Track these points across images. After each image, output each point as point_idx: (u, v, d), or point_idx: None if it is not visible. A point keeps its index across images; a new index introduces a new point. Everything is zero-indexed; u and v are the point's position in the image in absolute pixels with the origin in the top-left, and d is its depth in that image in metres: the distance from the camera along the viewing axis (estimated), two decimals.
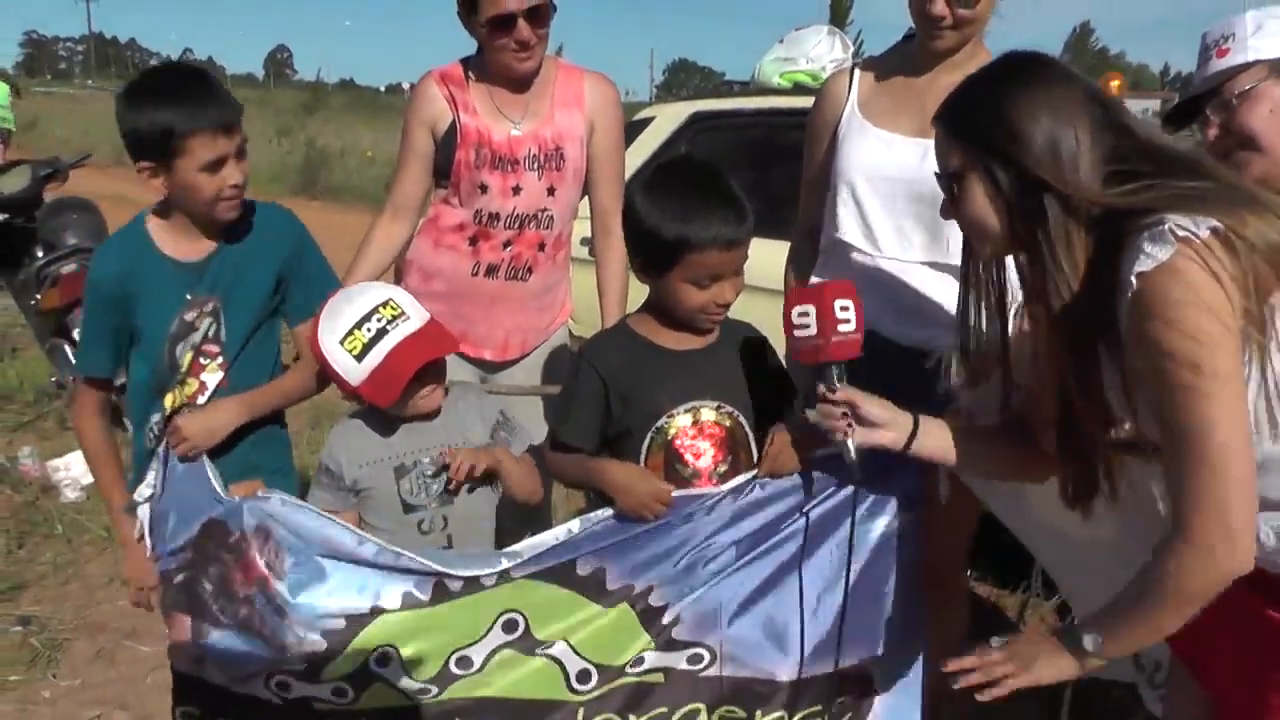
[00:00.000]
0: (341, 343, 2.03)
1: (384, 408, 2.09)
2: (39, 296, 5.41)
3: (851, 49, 4.89)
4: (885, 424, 1.86)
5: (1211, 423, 1.42)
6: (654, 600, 2.01)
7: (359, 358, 2.02)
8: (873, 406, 1.87)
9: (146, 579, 2.25)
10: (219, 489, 2.09)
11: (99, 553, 4.06)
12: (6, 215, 5.72)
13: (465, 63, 2.81)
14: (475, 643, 1.98)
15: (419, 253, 2.89)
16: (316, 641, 1.99)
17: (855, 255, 2.45)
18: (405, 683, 1.99)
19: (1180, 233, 1.44)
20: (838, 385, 1.88)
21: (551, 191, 2.77)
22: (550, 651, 2.00)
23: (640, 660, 2.03)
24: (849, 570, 2.02)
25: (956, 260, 1.93)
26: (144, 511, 2.19)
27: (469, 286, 2.82)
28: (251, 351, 2.36)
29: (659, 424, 2.04)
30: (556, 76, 2.81)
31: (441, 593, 1.97)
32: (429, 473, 2.14)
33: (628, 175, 2.97)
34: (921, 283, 2.37)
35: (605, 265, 2.91)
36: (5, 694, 3.14)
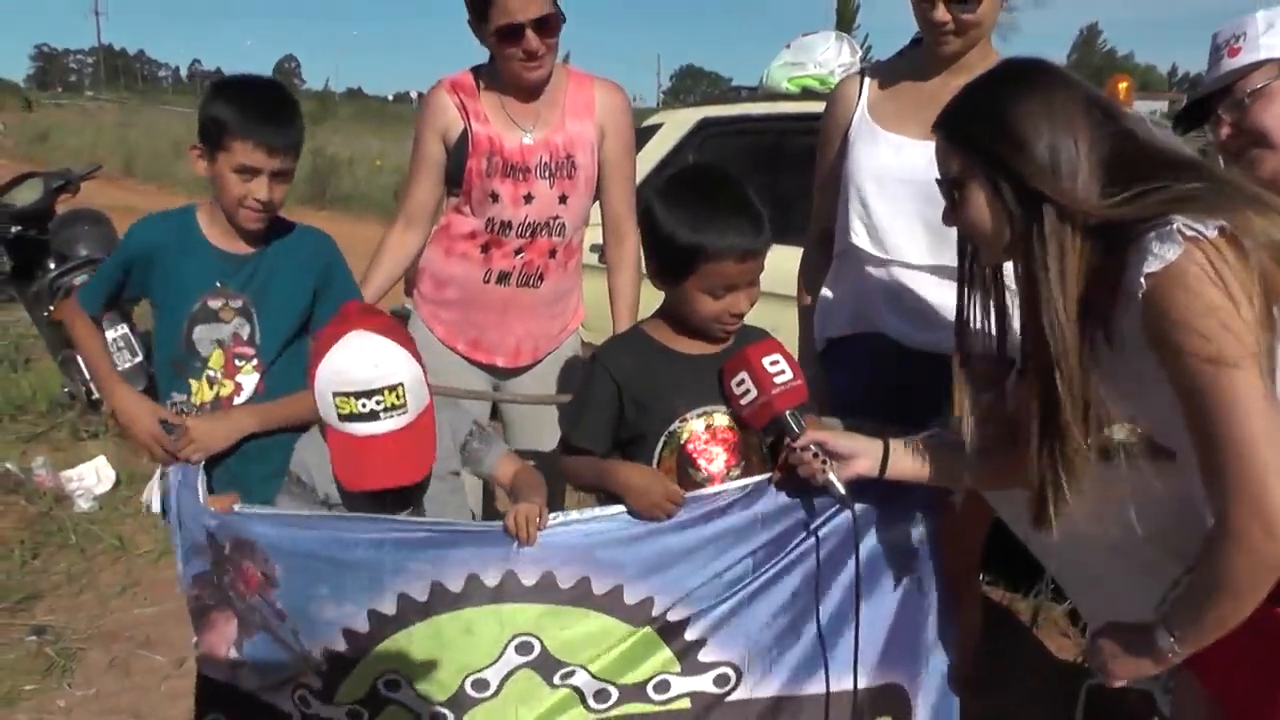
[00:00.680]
0: (334, 396, 1.99)
1: (345, 486, 2.06)
2: (52, 308, 5.44)
3: (860, 53, 4.88)
4: (857, 454, 1.90)
5: (1236, 416, 1.42)
6: (673, 616, 1.98)
7: (341, 419, 2.00)
8: (841, 440, 1.91)
9: (149, 424, 2.29)
10: (202, 501, 2.11)
11: (112, 562, 4.08)
12: (20, 227, 5.75)
13: (476, 71, 2.82)
14: (490, 665, 1.97)
15: (431, 261, 2.90)
16: (322, 652, 1.99)
17: (864, 258, 2.45)
18: (420, 706, 1.98)
19: (1189, 232, 1.44)
20: (798, 431, 1.92)
21: (563, 199, 2.77)
22: (572, 681, 1.98)
23: (665, 685, 2.00)
24: (858, 583, 2.01)
25: None
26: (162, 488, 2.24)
27: (481, 294, 2.82)
28: (289, 360, 2.43)
29: (672, 428, 2.04)
30: (567, 84, 2.82)
31: (441, 596, 1.95)
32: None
33: (637, 182, 2.98)
34: (930, 285, 2.37)
35: (617, 272, 2.92)
36: (21, 704, 3.14)
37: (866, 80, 2.54)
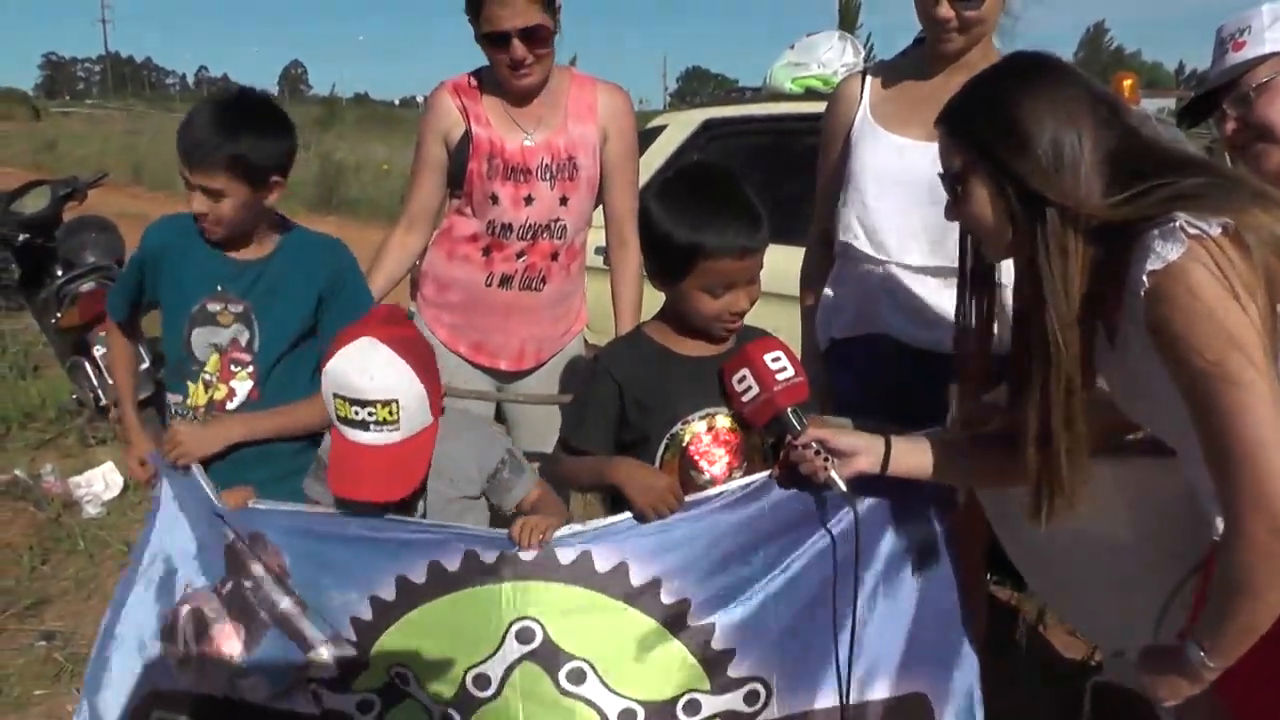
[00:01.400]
0: (334, 395, 1.99)
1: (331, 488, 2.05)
2: (59, 315, 5.46)
3: (863, 53, 4.88)
4: (859, 451, 1.89)
5: (1242, 415, 1.41)
6: (694, 620, 1.93)
7: (337, 417, 2.00)
8: (842, 437, 1.90)
9: (135, 455, 2.48)
10: (213, 497, 2.13)
11: (120, 567, 4.07)
12: (28, 235, 5.78)
13: (478, 74, 2.82)
14: (490, 657, 1.91)
15: (433, 263, 2.91)
16: (336, 639, 2.00)
17: (868, 258, 2.45)
18: (428, 701, 1.97)
19: (1192, 230, 1.43)
20: (800, 428, 1.91)
21: (564, 201, 2.78)
22: (582, 690, 1.90)
23: (696, 706, 1.95)
24: (856, 584, 1.99)
25: None
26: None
27: (483, 297, 2.82)
28: (286, 369, 2.43)
29: (674, 430, 2.04)
30: (570, 87, 2.82)
31: (439, 576, 1.93)
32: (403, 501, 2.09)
33: (641, 184, 2.98)
34: (931, 286, 2.37)
35: (620, 274, 2.92)
36: (31, 709, 3.15)
37: (868, 80, 2.54)
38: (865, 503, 1.99)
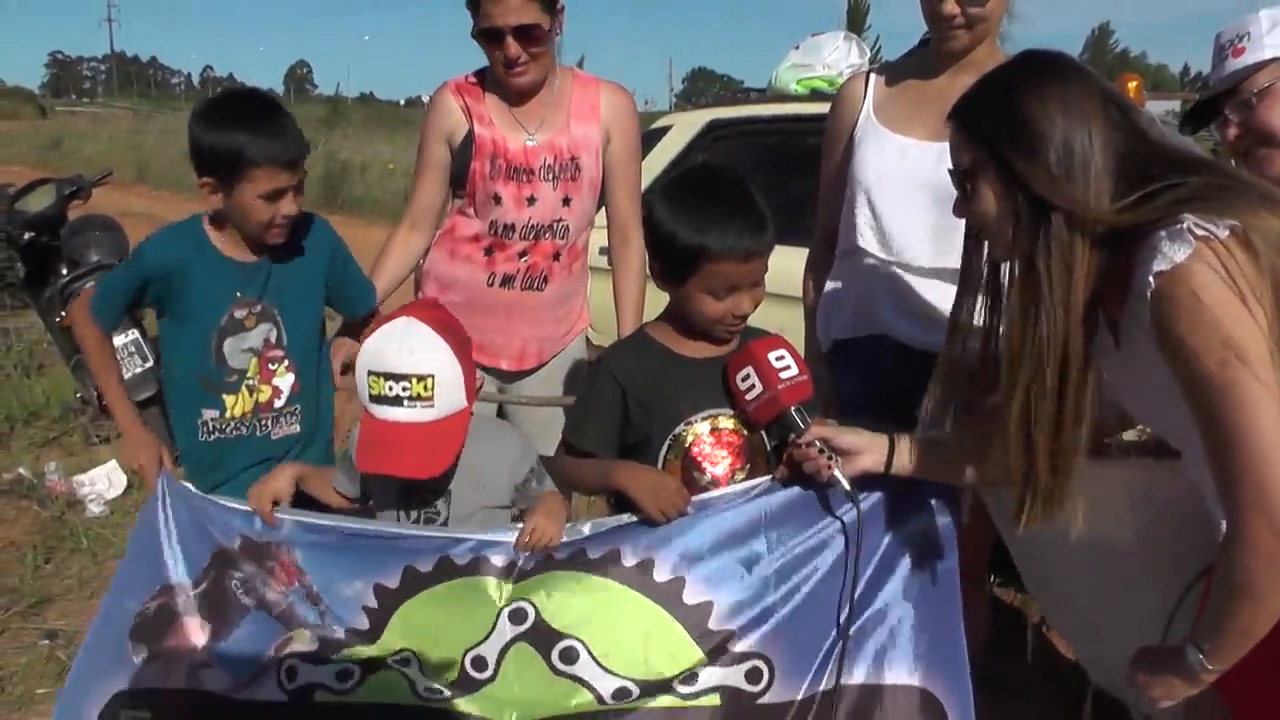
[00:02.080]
0: (369, 372, 1.98)
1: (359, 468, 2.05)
2: (64, 314, 5.46)
3: (868, 55, 4.88)
4: (862, 450, 1.90)
5: (1246, 419, 1.41)
6: (689, 597, 1.95)
7: (370, 397, 1.99)
8: (846, 436, 1.90)
9: (141, 454, 2.35)
10: (244, 507, 2.12)
11: None
12: (33, 233, 5.78)
13: (481, 74, 2.82)
14: (485, 639, 1.96)
15: (436, 263, 2.91)
16: (348, 631, 2.02)
17: (869, 259, 2.45)
18: (421, 680, 1.98)
19: (1199, 232, 1.42)
20: (804, 427, 1.91)
21: (567, 202, 2.77)
22: (575, 670, 1.93)
23: (693, 677, 1.95)
24: (855, 583, 2.00)
25: None
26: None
27: (485, 297, 2.82)
28: (317, 352, 2.52)
29: (677, 431, 2.04)
30: (573, 87, 2.82)
31: (446, 566, 1.97)
32: (430, 510, 2.10)
33: (645, 184, 2.98)
34: (935, 286, 2.37)
35: (622, 274, 2.91)
36: (33, 708, 3.15)
37: (872, 81, 2.53)
38: (868, 501, 1.99)
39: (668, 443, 2.04)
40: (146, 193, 18.95)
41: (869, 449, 1.90)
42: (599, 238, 3.03)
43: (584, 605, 1.95)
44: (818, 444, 1.89)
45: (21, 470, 4.83)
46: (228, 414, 2.42)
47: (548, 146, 2.75)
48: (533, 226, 2.76)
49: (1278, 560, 1.42)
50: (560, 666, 1.95)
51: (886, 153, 2.41)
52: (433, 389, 1.96)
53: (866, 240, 2.43)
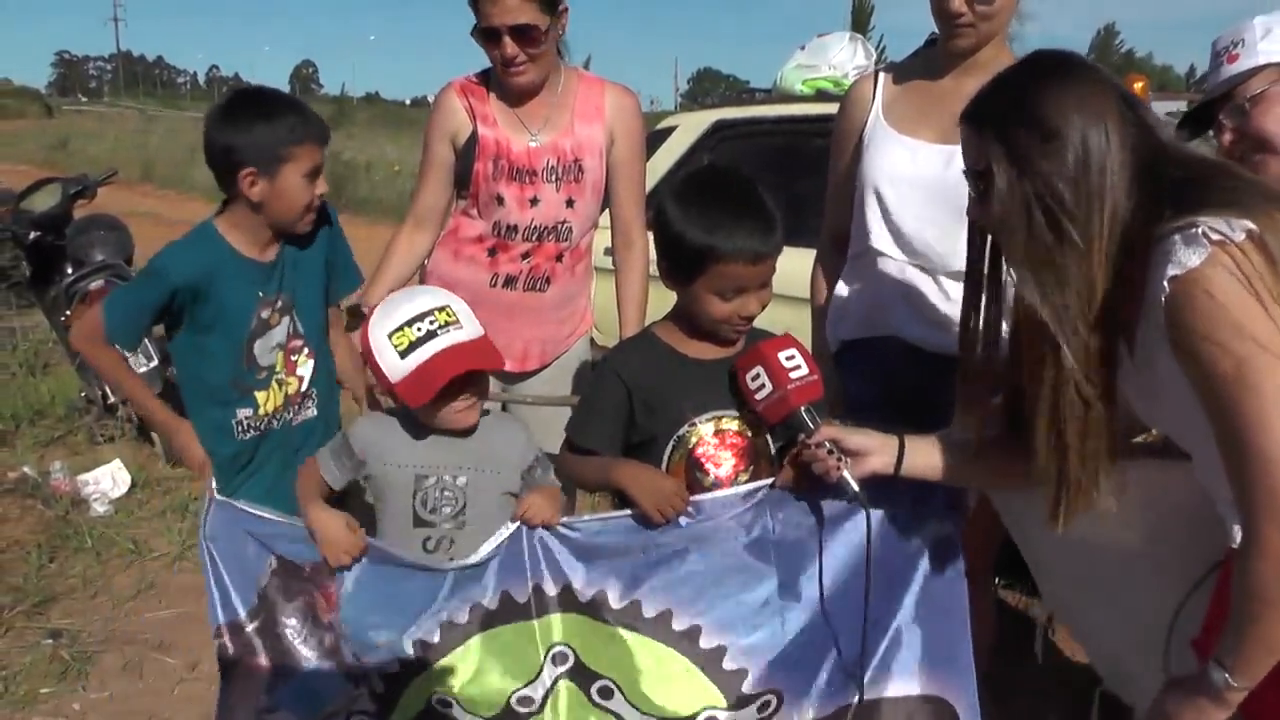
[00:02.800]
0: (390, 336, 1.99)
1: (414, 408, 2.03)
2: (68, 313, 5.46)
3: (874, 55, 4.87)
4: (872, 451, 1.88)
5: (1263, 423, 1.39)
6: (705, 642, 1.99)
7: (403, 354, 1.98)
8: (855, 437, 1.88)
9: (196, 450, 2.40)
10: (288, 520, 2.10)
11: (127, 566, 4.10)
12: (38, 233, 5.79)
13: (486, 74, 2.82)
14: (532, 681, 1.99)
15: (439, 264, 2.90)
16: (379, 674, 2.02)
17: (881, 260, 2.44)
18: (463, 717, 2.00)
19: (1215, 235, 1.41)
20: (813, 427, 1.89)
21: (570, 203, 2.77)
22: (612, 705, 1.99)
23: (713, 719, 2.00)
24: (868, 583, 1.99)
25: None
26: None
27: (488, 297, 2.80)
28: (323, 333, 2.59)
29: (681, 432, 2.03)
30: (578, 88, 2.81)
31: (478, 614, 1.98)
32: (450, 491, 2.09)
33: (651, 185, 2.97)
34: (945, 288, 2.36)
35: (625, 275, 2.91)
36: (37, 707, 3.16)
37: (880, 81, 2.52)
38: (875, 505, 1.97)
39: (672, 443, 2.04)
40: (152, 192, 19.00)
41: (879, 450, 1.88)
42: (602, 238, 3.02)
43: (614, 652, 2.00)
44: (827, 445, 1.88)
45: (26, 469, 4.84)
46: (261, 411, 2.46)
47: (551, 148, 2.74)
48: (535, 228, 2.75)
49: None
50: (599, 700, 2.00)
51: (896, 154, 2.40)
52: (455, 314, 2.04)
53: (878, 241, 2.42)
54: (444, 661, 1.99)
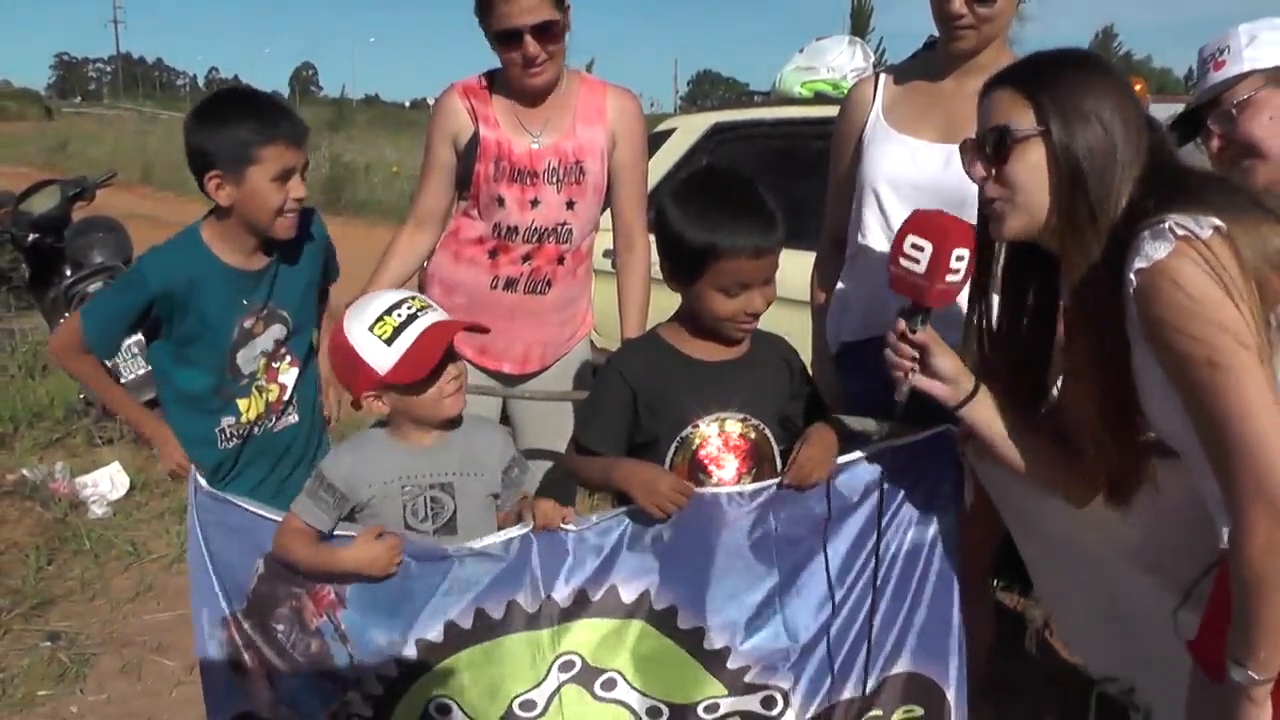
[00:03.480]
0: (371, 329, 1.98)
1: (412, 381, 2.00)
2: (67, 315, 5.46)
3: (873, 58, 4.87)
4: (947, 379, 1.85)
5: (1237, 412, 1.42)
6: (709, 644, 2.01)
7: (389, 341, 1.97)
8: (944, 359, 1.85)
9: (176, 452, 2.38)
10: (279, 518, 2.09)
11: (125, 568, 4.09)
12: (37, 235, 5.79)
13: (489, 75, 2.82)
14: (536, 687, 1.99)
15: (439, 266, 2.90)
16: (376, 676, 2.01)
17: (880, 261, 2.43)
18: None
19: (1180, 231, 1.44)
20: (919, 328, 1.85)
21: (571, 205, 2.77)
22: (615, 695, 2.01)
23: (715, 706, 2.02)
24: (877, 562, 2.05)
25: None
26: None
27: (488, 299, 2.81)
28: (309, 342, 2.55)
29: (684, 434, 2.03)
30: (580, 90, 2.82)
31: (484, 623, 1.97)
32: (439, 498, 2.09)
33: (650, 187, 2.97)
34: None
35: (626, 278, 2.90)
36: (35, 709, 3.15)
37: (881, 83, 2.53)
38: (880, 496, 2.04)
39: (675, 445, 2.04)
40: (151, 194, 19.00)
41: (954, 380, 1.85)
42: (603, 241, 3.02)
43: (620, 645, 2.01)
44: (915, 352, 1.85)
45: (25, 471, 4.83)
46: (244, 418, 2.44)
47: (552, 150, 2.74)
48: (536, 229, 2.75)
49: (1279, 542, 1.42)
50: (602, 694, 2.02)
51: (896, 155, 2.41)
52: (428, 301, 2.07)
53: (876, 242, 2.42)
54: (444, 666, 1.99)
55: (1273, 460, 1.41)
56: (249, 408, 2.44)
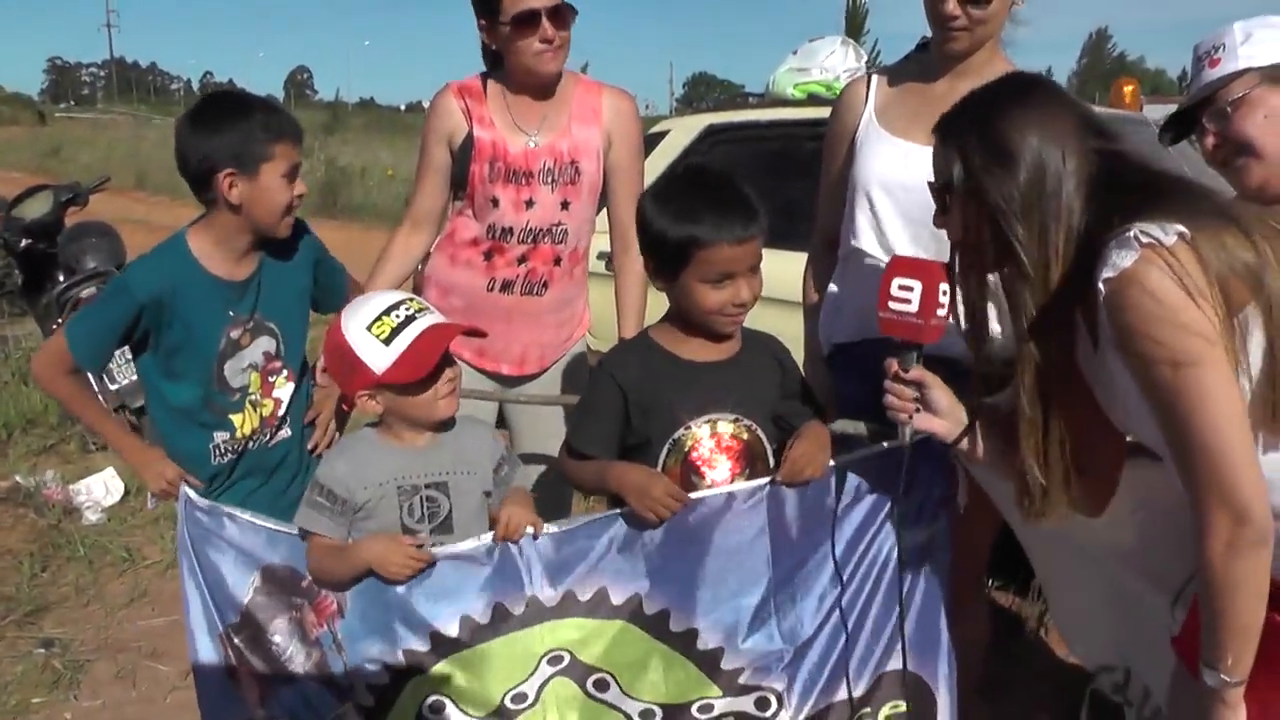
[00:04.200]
0: (368, 328, 1.99)
1: (409, 382, 1.99)
2: (60, 320, 5.45)
3: (865, 59, 4.88)
4: (944, 413, 1.89)
5: (1200, 414, 1.44)
6: (702, 645, 2.01)
7: (387, 341, 1.98)
8: (940, 394, 1.89)
9: (165, 470, 2.29)
10: (279, 528, 2.09)
11: (120, 574, 4.08)
12: (30, 240, 5.77)
13: (484, 77, 2.82)
14: (525, 680, 2.00)
15: (436, 268, 2.90)
16: (366, 686, 2.02)
17: (871, 263, 2.44)
18: (457, 717, 2.01)
19: (1145, 239, 1.47)
20: (913, 365, 1.89)
21: (566, 205, 2.76)
22: (607, 696, 2.01)
23: (709, 707, 2.03)
24: (862, 576, 2.05)
25: None
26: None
27: (485, 302, 2.81)
28: (302, 356, 2.51)
29: (677, 436, 2.03)
30: (575, 90, 2.82)
31: (470, 629, 1.98)
32: (435, 498, 2.08)
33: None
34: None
35: (623, 279, 2.90)
36: (29, 717, 3.14)
37: (874, 84, 2.52)
38: (868, 496, 2.05)
39: (667, 447, 2.04)
40: (145, 198, 18.95)
41: (949, 415, 1.89)
42: (600, 243, 3.02)
43: (611, 646, 2.01)
44: (914, 389, 1.88)
45: (18, 478, 4.82)
46: (238, 433, 2.40)
47: (548, 150, 2.74)
48: (531, 230, 2.75)
49: (1244, 546, 1.44)
50: (594, 693, 2.02)
51: (888, 157, 2.40)
52: (425, 303, 2.08)
53: (868, 244, 2.42)
54: (435, 669, 1.99)
55: (1234, 462, 1.43)
56: (243, 423, 2.40)
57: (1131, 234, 1.48)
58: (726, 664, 2.01)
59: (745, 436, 2.06)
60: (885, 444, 1.95)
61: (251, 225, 2.30)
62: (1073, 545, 2.04)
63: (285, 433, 2.50)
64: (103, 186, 6.46)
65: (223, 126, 2.23)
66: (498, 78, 2.78)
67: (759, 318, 2.06)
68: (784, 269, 2.64)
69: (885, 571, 2.09)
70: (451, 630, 1.98)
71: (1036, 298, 1.61)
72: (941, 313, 1.86)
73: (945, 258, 2.28)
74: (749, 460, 2.07)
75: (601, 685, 2.01)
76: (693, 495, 1.97)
